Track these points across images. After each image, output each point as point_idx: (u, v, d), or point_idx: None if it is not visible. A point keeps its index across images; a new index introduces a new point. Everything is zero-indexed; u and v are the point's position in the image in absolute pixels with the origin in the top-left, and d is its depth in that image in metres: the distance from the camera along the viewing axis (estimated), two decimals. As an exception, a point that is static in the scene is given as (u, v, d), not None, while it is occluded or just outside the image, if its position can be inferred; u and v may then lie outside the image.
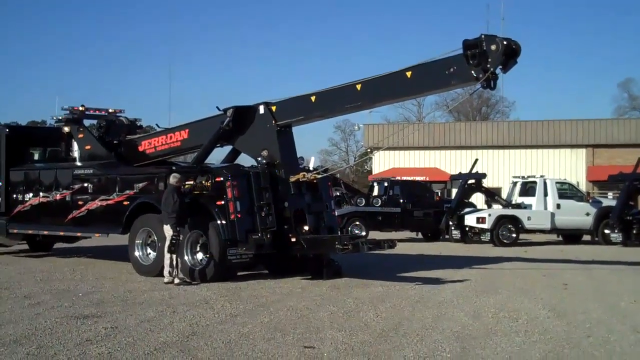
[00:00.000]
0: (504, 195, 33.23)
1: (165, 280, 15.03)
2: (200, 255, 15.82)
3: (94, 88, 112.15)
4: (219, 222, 15.20)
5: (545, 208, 29.61)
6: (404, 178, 37.34)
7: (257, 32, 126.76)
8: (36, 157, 21.74)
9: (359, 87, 15.04)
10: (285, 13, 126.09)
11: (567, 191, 30.89)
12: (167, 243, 15.02)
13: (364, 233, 29.27)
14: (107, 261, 19.95)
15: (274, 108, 16.28)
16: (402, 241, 26.84)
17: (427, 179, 45.27)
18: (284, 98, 16.38)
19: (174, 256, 15.02)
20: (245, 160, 17.94)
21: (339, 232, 18.41)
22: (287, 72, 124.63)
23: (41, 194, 19.88)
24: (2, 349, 8.90)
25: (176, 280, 14.91)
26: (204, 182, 15.75)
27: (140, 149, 18.93)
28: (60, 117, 20.75)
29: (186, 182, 15.78)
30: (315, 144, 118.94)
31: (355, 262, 18.38)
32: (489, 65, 13.30)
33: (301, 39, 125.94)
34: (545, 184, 30.12)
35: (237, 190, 15.23)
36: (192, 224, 15.61)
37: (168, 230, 15.06)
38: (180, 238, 15.23)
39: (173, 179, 15.45)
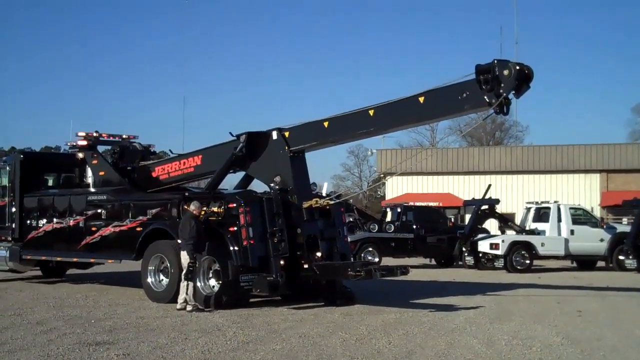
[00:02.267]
0: (518, 221, 33.11)
1: (178, 306, 15.01)
2: (212, 282, 15.82)
3: (107, 114, 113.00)
4: (231, 248, 15.20)
5: (559, 234, 29.44)
6: (417, 204, 37.28)
7: (271, 56, 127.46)
8: (50, 183, 21.87)
9: (371, 112, 15.06)
10: (299, 37, 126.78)
11: (581, 217, 30.71)
12: (184, 270, 15.01)
13: (376, 259, 29.21)
14: (120, 287, 19.97)
15: (286, 134, 16.32)
16: (415, 267, 26.77)
17: (441, 204, 45.17)
18: (297, 124, 16.43)
19: (190, 283, 15.01)
20: (258, 186, 17.99)
21: (352, 259, 18.35)
22: (300, 96, 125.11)
23: (55, 220, 19.95)
24: (14, 376, 8.90)
25: (189, 307, 14.89)
26: (216, 208, 15.76)
27: (154, 174, 19.00)
28: (75, 143, 20.87)
29: (203, 209, 15.79)
30: (328, 169, 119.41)
31: (368, 288, 18.31)
32: (501, 91, 13.28)
33: (315, 62, 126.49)
34: (559, 209, 29.97)
35: (250, 216, 15.24)
36: (205, 250, 15.61)
37: (185, 257, 15.05)
38: (197, 265, 15.23)
39: (193, 206, 15.45)
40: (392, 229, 31.24)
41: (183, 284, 15.04)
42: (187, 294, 14.98)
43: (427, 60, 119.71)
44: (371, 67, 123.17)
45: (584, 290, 20.55)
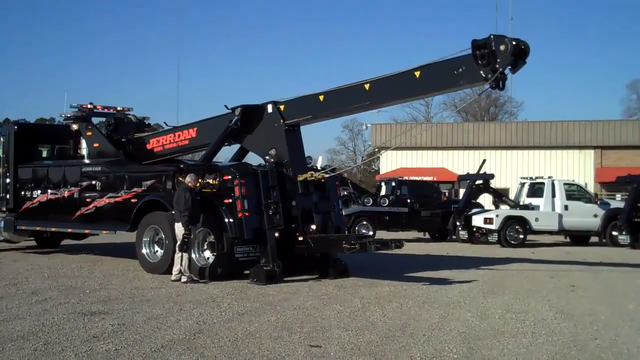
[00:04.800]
0: (512, 196, 33.09)
1: (173, 277, 15.05)
2: (207, 253, 15.85)
3: (102, 86, 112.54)
4: (226, 220, 15.22)
5: (553, 209, 29.51)
6: (412, 178, 37.27)
7: (267, 31, 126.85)
8: (44, 154, 21.81)
9: (367, 86, 15.02)
10: (295, 13, 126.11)
11: (575, 192, 30.78)
12: (179, 241, 15.04)
13: (371, 233, 29.27)
14: (115, 258, 19.99)
15: (282, 107, 16.28)
16: (410, 241, 26.84)
17: (435, 179, 45.17)
18: (293, 97, 16.39)
19: (185, 255, 15.04)
20: (253, 159, 17.96)
21: (346, 232, 18.39)
22: (296, 71, 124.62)
23: (49, 191, 19.94)
24: (10, 345, 8.94)
25: (183, 278, 14.94)
26: (211, 180, 15.76)
27: (149, 147, 19.00)
28: (69, 115, 20.80)
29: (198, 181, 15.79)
30: (323, 143, 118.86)
31: (362, 261, 18.38)
32: (497, 66, 13.25)
33: (310, 38, 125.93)
34: (553, 185, 30.02)
35: (245, 188, 15.25)
36: (200, 222, 15.63)
37: (179, 229, 15.07)
38: (192, 236, 15.25)
39: (189, 178, 15.43)
40: (387, 203, 31.27)
41: (178, 255, 15.07)
42: (181, 265, 15.02)
43: (420, 40, 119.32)
44: (367, 46, 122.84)
45: (578, 265, 20.64)
